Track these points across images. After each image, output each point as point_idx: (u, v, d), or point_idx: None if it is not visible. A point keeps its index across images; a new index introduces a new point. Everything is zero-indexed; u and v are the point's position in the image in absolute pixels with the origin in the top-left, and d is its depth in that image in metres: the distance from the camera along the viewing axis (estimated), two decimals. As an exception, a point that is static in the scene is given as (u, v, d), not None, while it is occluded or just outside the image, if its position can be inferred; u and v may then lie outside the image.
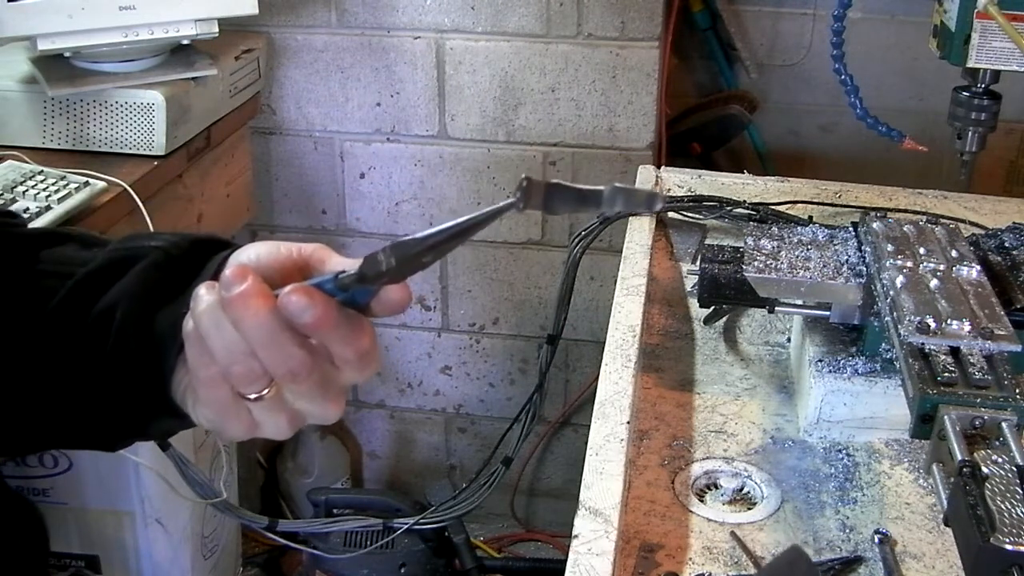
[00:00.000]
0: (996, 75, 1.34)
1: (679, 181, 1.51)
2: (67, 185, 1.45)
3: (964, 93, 1.37)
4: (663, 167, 1.54)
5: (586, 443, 0.95)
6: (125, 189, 1.51)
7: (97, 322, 0.66)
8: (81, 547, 1.73)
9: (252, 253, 0.61)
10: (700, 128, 2.12)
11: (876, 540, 0.96)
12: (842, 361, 1.12)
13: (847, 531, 0.98)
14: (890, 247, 1.10)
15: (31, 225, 0.78)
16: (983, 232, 1.28)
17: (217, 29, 1.65)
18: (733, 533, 0.97)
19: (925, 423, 0.87)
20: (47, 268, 0.70)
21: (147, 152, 1.62)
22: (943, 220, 1.23)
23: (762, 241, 1.19)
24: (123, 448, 0.73)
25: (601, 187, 0.60)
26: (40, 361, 0.68)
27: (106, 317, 0.66)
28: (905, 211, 1.41)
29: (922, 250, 1.09)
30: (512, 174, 2.08)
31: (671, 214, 1.44)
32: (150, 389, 0.65)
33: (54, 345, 0.67)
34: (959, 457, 0.80)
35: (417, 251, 0.55)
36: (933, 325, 0.95)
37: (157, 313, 0.65)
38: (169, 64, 1.70)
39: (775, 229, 1.23)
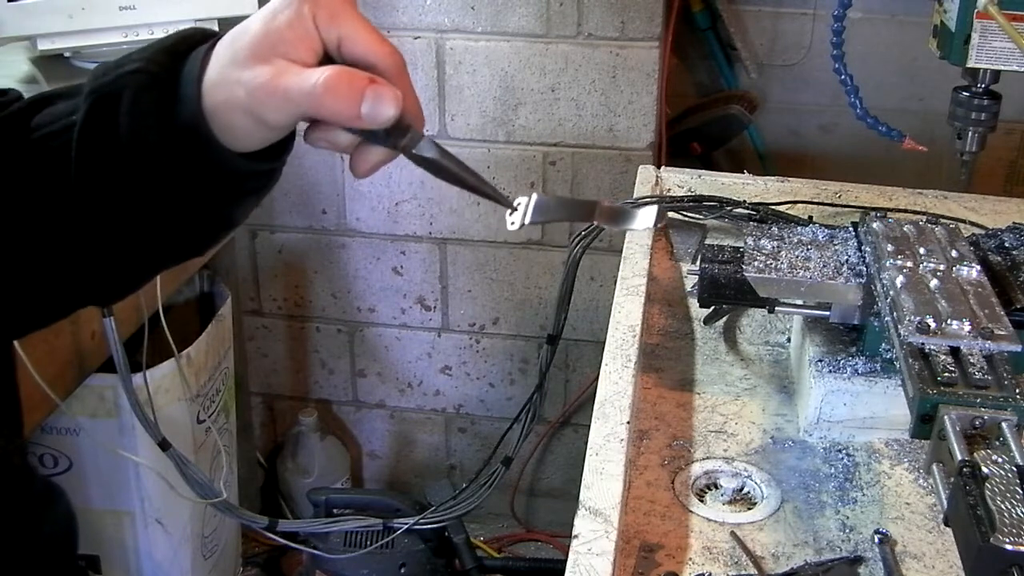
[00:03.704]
0: (996, 75, 1.33)
1: (679, 181, 1.51)
2: (67, 185, 1.45)
3: (964, 93, 1.37)
4: (663, 167, 1.54)
5: (586, 443, 0.95)
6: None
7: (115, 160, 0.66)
8: (81, 547, 1.73)
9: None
10: (700, 128, 2.12)
11: (876, 540, 0.96)
12: (842, 361, 1.12)
13: (847, 531, 0.98)
14: (890, 247, 1.10)
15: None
16: (983, 232, 1.28)
17: (217, 29, 1.65)
18: (733, 533, 0.97)
19: (925, 423, 0.87)
20: (42, 132, 0.69)
21: (147, 152, 1.62)
22: (943, 220, 1.23)
23: (762, 241, 1.19)
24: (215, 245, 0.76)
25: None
26: (94, 210, 0.68)
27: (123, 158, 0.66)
28: (905, 211, 1.41)
29: (922, 250, 1.09)
30: (512, 174, 2.08)
31: (671, 214, 1.44)
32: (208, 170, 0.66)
33: (94, 192, 0.67)
34: (959, 457, 0.80)
35: (440, 153, 0.65)
36: (933, 325, 0.95)
37: (166, 119, 0.65)
38: (169, 64, 1.70)
39: (775, 229, 1.23)
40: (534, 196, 0.67)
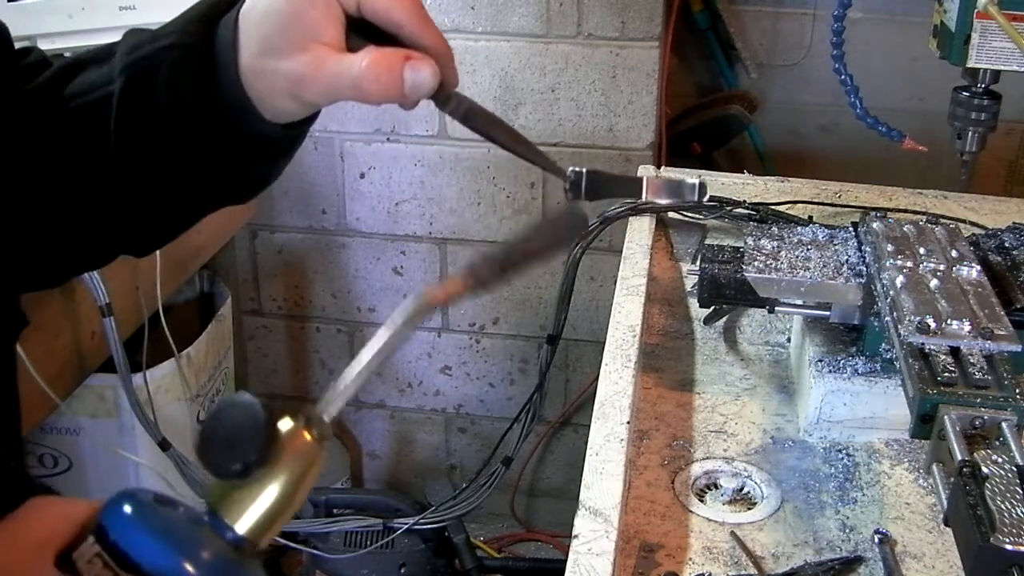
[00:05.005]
0: (996, 75, 1.33)
1: (679, 181, 1.51)
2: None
3: (964, 93, 1.37)
4: (663, 167, 1.54)
5: (586, 443, 0.95)
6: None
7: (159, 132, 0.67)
8: (81, 547, 1.73)
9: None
10: (700, 128, 2.12)
11: (876, 540, 0.96)
12: (842, 361, 1.12)
13: (847, 531, 0.98)
14: (890, 247, 1.10)
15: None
16: (983, 232, 1.28)
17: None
18: (733, 533, 0.97)
19: (925, 423, 0.87)
20: (79, 102, 0.70)
21: (147, 152, 1.62)
22: (943, 220, 1.23)
23: (762, 241, 1.19)
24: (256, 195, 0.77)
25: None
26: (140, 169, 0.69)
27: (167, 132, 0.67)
28: (905, 211, 1.41)
29: (922, 250, 1.09)
30: (512, 174, 2.08)
31: (671, 214, 1.44)
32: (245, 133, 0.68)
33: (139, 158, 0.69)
34: (959, 457, 0.80)
35: (485, 119, 0.66)
36: (933, 325, 0.95)
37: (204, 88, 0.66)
38: (169, 64, 1.70)
39: (775, 229, 1.23)
40: (585, 171, 0.67)
